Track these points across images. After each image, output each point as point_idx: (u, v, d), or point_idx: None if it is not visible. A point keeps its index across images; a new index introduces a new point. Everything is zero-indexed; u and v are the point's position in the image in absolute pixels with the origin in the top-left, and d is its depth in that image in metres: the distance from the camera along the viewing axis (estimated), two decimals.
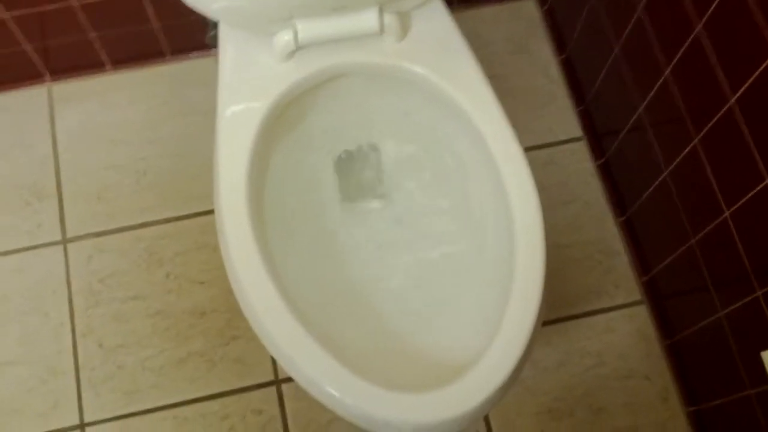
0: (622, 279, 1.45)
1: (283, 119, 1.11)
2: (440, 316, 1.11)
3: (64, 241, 1.47)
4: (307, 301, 1.04)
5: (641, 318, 1.42)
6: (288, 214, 1.15)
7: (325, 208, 1.20)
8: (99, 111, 1.55)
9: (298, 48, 1.08)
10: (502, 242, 1.04)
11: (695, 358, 1.33)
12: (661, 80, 1.19)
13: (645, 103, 1.27)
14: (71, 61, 1.54)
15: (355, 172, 1.23)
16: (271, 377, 1.39)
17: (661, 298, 1.40)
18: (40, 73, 1.55)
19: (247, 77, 1.09)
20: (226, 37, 1.12)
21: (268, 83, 1.08)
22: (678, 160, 1.20)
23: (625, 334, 1.41)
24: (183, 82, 1.57)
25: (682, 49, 1.11)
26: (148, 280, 1.44)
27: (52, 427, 1.36)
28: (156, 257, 1.45)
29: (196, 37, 1.42)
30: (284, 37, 1.06)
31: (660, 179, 1.28)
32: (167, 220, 1.48)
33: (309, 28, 1.06)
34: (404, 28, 1.10)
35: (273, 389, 1.38)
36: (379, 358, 1.06)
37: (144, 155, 1.52)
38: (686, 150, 1.17)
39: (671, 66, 1.15)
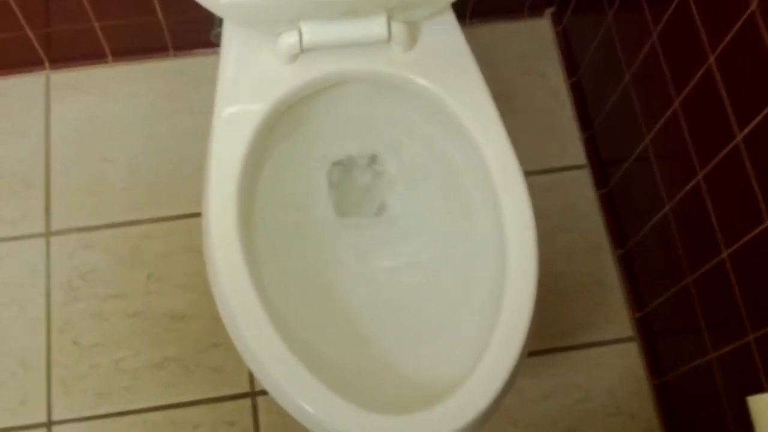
0: (614, 313, 1.42)
1: (281, 123, 1.09)
2: (426, 337, 1.08)
3: (48, 234, 1.43)
4: (290, 313, 1.01)
5: (631, 355, 1.39)
6: (278, 223, 1.12)
7: (318, 219, 1.17)
8: (96, 102, 1.52)
9: (303, 51, 1.05)
10: (495, 266, 1.01)
11: (683, 400, 1.30)
12: (669, 112, 1.17)
13: (652, 134, 1.24)
14: (72, 49, 1.50)
15: (351, 183, 1.20)
16: (246, 389, 1.35)
17: (653, 336, 1.37)
18: (40, 60, 1.52)
19: (247, 77, 1.06)
20: (230, 34, 1.09)
21: (269, 85, 1.05)
22: (680, 195, 1.18)
23: (614, 370, 1.38)
24: (185, 79, 1.54)
25: (693, 82, 1.08)
26: (129, 279, 1.41)
27: (19, 423, 1.33)
28: (140, 257, 1.42)
29: (201, 33, 1.40)
30: (289, 39, 1.04)
31: (661, 214, 1.25)
32: (155, 220, 1.45)
33: (315, 31, 1.03)
34: (412, 39, 1.07)
35: (248, 401, 1.35)
36: (360, 376, 1.03)
37: (138, 151, 1.49)
38: (689, 185, 1.14)
39: (681, 98, 1.13)
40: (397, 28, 1.04)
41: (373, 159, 1.20)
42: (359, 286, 1.12)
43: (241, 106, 1.04)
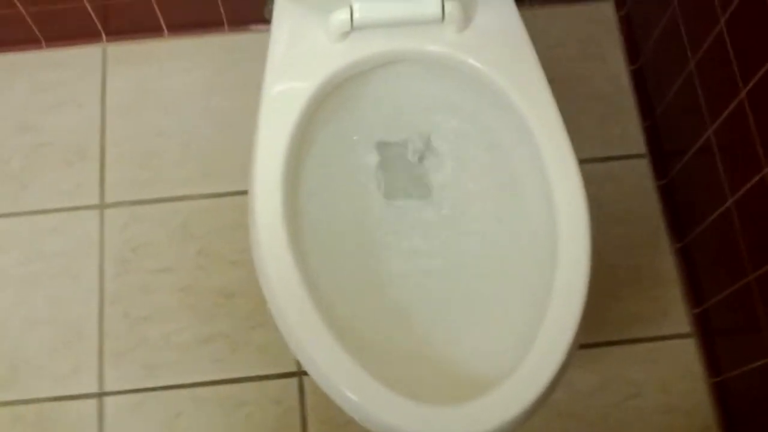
0: (671, 308, 1.38)
1: (329, 102, 1.07)
2: (473, 326, 1.06)
3: (102, 206, 1.44)
4: (335, 297, 1.00)
5: (688, 352, 1.35)
6: (324, 205, 1.10)
7: (365, 202, 1.15)
8: (151, 76, 1.53)
9: (354, 29, 1.03)
10: (545, 255, 0.98)
11: (741, 400, 1.26)
12: (735, 102, 1.12)
13: (716, 125, 1.20)
14: (129, 22, 1.51)
15: (399, 165, 1.18)
16: (293, 368, 1.35)
17: (712, 334, 1.33)
18: (98, 32, 1.53)
19: (297, 54, 1.05)
20: (281, 10, 1.08)
21: (319, 63, 1.04)
22: (744, 189, 1.14)
23: (668, 367, 1.35)
24: (239, 55, 1.54)
25: (762, 71, 1.04)
26: (180, 254, 1.41)
27: (71, 392, 1.34)
28: (190, 232, 1.42)
29: (256, 9, 1.39)
30: (340, 16, 1.02)
31: (723, 208, 1.21)
32: (206, 196, 1.44)
33: (367, 9, 1.02)
34: (467, 19, 1.05)
35: (294, 380, 1.34)
36: (404, 365, 1.01)
37: (192, 125, 1.49)
38: (754, 180, 1.10)
39: (748, 88, 1.08)
40: (451, 8, 1.02)
41: (421, 141, 1.18)
42: (405, 271, 1.10)
43: (290, 83, 1.02)
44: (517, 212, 1.09)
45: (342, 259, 1.09)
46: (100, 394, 1.34)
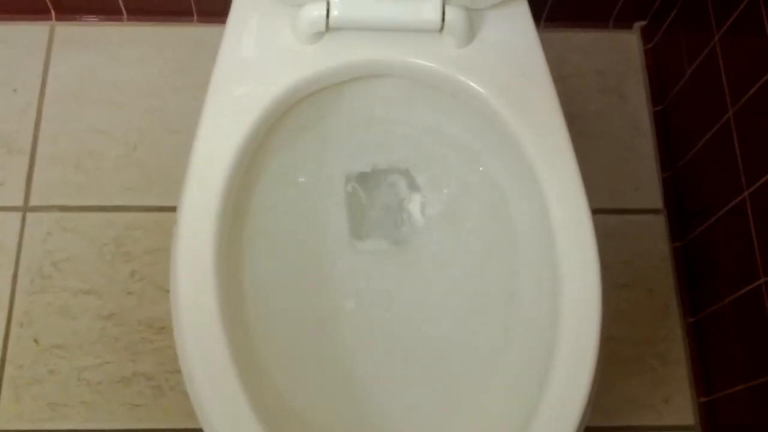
0: (675, 395, 1.20)
1: (291, 118, 0.88)
2: (448, 410, 0.87)
3: (25, 209, 1.25)
4: (278, 370, 0.82)
5: None
6: (275, 246, 0.91)
7: (325, 243, 0.95)
8: (102, 64, 1.34)
9: (329, 29, 0.84)
10: (542, 325, 0.81)
11: None
12: None
13: (755, 186, 1.03)
14: (84, 1, 1.33)
15: (373, 201, 0.99)
16: None
17: (719, 429, 1.16)
18: (46, 8, 1.34)
19: (255, 55, 0.86)
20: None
21: (281, 67, 0.85)
22: None
23: None
24: (205, 51, 1.32)
25: None
26: (109, 275, 1.22)
27: None
28: (124, 250, 1.23)
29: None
30: (313, 12, 0.84)
31: (752, 285, 1.04)
32: (148, 209, 1.26)
33: (348, 6, 0.83)
34: (471, 31, 0.86)
35: None
36: None
37: (141, 126, 1.31)
38: None
39: None
40: (454, 15, 0.83)
41: (402, 175, 1.00)
42: (369, 336, 0.91)
43: (242, 90, 0.83)
44: (509, 270, 0.91)
45: (291, 319, 0.89)
46: None
